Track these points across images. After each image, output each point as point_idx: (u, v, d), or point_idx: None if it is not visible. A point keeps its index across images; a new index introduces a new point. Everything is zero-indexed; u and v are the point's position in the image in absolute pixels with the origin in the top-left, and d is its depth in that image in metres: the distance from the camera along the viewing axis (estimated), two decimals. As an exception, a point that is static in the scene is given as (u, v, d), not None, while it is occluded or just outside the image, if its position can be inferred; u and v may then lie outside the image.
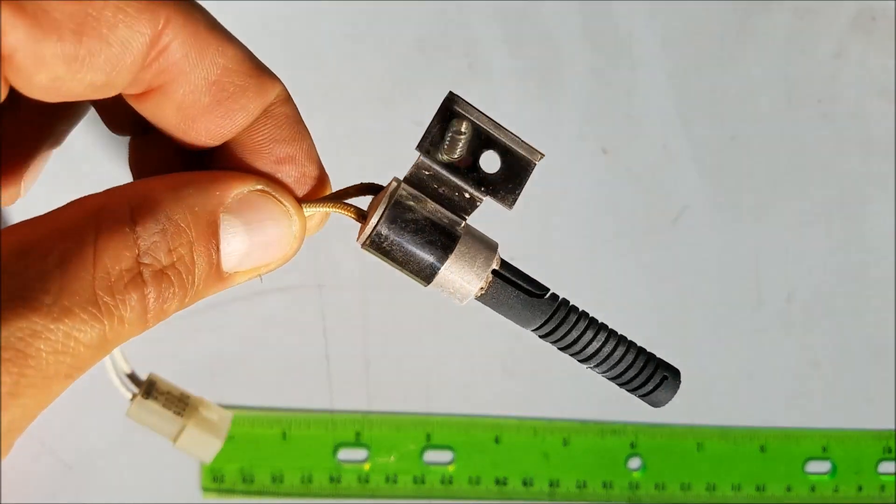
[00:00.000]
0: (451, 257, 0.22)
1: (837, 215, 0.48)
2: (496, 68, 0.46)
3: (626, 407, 0.47)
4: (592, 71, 0.47)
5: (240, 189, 0.22)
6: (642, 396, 0.24)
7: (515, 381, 0.46)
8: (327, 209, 0.24)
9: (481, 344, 0.45)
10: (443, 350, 0.45)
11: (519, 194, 0.24)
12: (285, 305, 0.45)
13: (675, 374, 0.24)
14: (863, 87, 0.48)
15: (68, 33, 0.17)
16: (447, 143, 0.22)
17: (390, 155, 0.46)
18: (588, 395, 0.47)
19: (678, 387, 0.24)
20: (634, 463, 0.46)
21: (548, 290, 0.24)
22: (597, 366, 0.24)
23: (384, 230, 0.22)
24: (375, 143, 0.46)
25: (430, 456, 0.45)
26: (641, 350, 0.24)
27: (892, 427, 0.48)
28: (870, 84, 0.48)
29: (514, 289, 0.23)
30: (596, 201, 0.47)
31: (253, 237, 0.22)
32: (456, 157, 0.22)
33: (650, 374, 0.24)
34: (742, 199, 0.47)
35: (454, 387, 0.46)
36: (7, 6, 0.16)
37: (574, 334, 0.23)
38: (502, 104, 0.46)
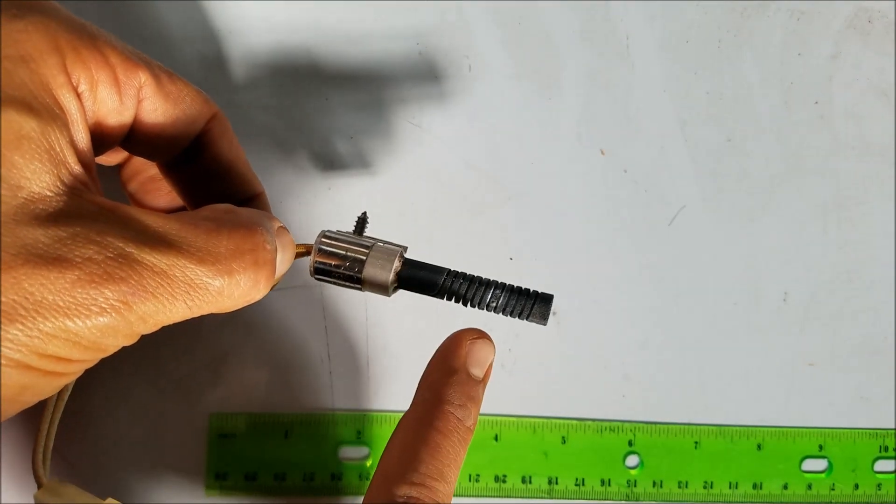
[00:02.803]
0: (365, 267, 0.33)
1: (834, 216, 0.48)
2: (495, 69, 0.46)
3: (624, 405, 0.47)
4: (590, 72, 0.47)
5: (278, 223, 0.32)
6: (528, 317, 0.33)
7: (514, 379, 0.46)
8: (302, 250, 0.34)
9: (481, 343, 0.45)
10: (443, 349, 0.46)
11: (406, 248, 0.34)
12: (287, 305, 0.45)
13: (545, 295, 0.33)
14: (859, 89, 0.48)
15: None
16: (355, 227, 0.35)
17: (390, 156, 0.46)
18: (586, 393, 0.47)
19: (551, 300, 0.33)
20: (632, 460, 0.46)
21: (443, 268, 0.33)
22: (488, 306, 0.33)
23: (319, 259, 0.33)
24: (374, 144, 0.46)
25: (431, 454, 0.45)
26: (515, 286, 0.33)
27: (889, 425, 0.48)
28: (867, 85, 0.48)
29: (415, 272, 0.33)
30: (593, 202, 0.47)
31: (279, 256, 0.30)
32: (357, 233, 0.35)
33: (525, 299, 0.33)
34: (739, 200, 0.47)
35: (454, 386, 0.46)
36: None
37: (461, 290, 0.33)
38: (501, 105, 0.46)
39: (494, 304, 0.33)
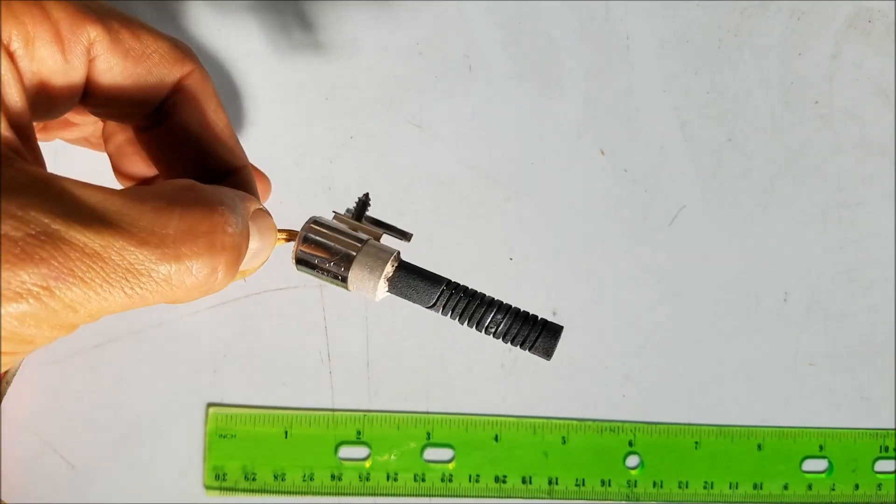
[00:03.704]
0: (355, 264, 0.30)
1: (834, 215, 0.48)
2: (495, 69, 0.46)
3: (624, 406, 0.47)
4: (590, 72, 0.47)
5: (256, 206, 0.29)
6: (531, 348, 0.30)
7: (515, 380, 0.46)
8: (285, 237, 0.32)
9: (481, 343, 0.46)
10: (443, 349, 0.46)
11: (411, 236, 0.33)
12: (287, 304, 0.45)
13: (554, 326, 0.30)
14: (859, 89, 0.48)
15: None
16: (354, 210, 0.33)
17: (390, 156, 0.46)
18: (587, 394, 0.47)
19: (559, 333, 0.30)
20: (632, 461, 0.46)
21: (442, 278, 0.31)
22: (487, 329, 0.30)
23: (302, 249, 0.31)
24: (375, 144, 0.46)
25: (431, 454, 0.45)
26: (521, 311, 0.31)
27: (889, 425, 0.48)
28: (867, 85, 0.48)
29: (410, 279, 0.31)
30: (593, 202, 0.47)
31: (255, 243, 0.28)
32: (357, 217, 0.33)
33: (530, 328, 0.30)
34: (739, 200, 0.47)
35: (454, 386, 0.46)
36: None
37: (459, 307, 0.30)
38: (501, 105, 0.46)
39: (494, 329, 0.30)
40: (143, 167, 0.34)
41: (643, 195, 0.47)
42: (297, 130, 0.46)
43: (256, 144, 0.46)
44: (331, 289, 0.45)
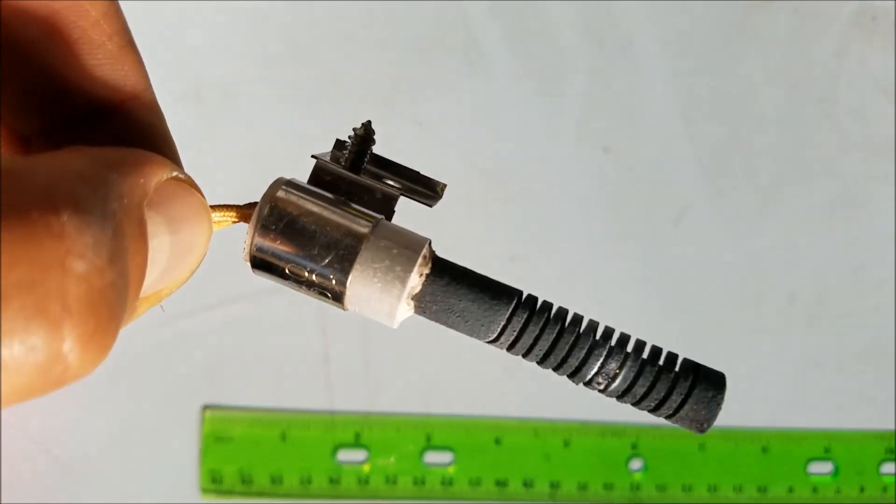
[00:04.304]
0: (357, 266, 0.18)
1: (840, 215, 0.48)
2: (496, 67, 0.46)
3: (627, 407, 0.47)
4: (593, 70, 0.47)
5: (160, 175, 0.16)
6: (668, 417, 0.19)
7: (516, 381, 0.46)
8: (234, 217, 0.19)
9: (481, 345, 0.45)
10: (443, 350, 0.45)
11: (443, 189, 0.22)
12: (284, 305, 0.45)
13: (710, 381, 0.20)
14: (864, 86, 0.48)
15: None
16: (349, 155, 0.21)
17: (388, 154, 0.46)
18: (589, 395, 0.46)
19: (718, 399, 0.19)
20: (636, 464, 0.46)
21: (509, 290, 0.20)
22: (591, 381, 0.20)
23: (262, 242, 0.18)
24: (377, 142, 0.46)
25: (431, 457, 0.45)
26: (651, 352, 0.20)
27: (895, 428, 0.48)
28: (871, 83, 0.48)
29: (453, 296, 0.19)
30: (597, 201, 0.47)
31: (175, 243, 0.17)
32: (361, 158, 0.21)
33: (671, 382, 0.19)
34: (744, 199, 0.47)
35: (454, 387, 0.46)
36: None
37: (545, 342, 0.19)
38: (502, 103, 0.46)
39: (604, 383, 0.19)
40: None
41: (647, 194, 0.47)
42: (294, 128, 0.45)
43: (253, 142, 0.45)
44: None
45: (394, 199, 0.20)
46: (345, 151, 0.21)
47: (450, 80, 0.46)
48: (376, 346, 0.45)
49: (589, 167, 0.47)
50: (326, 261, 0.18)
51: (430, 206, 0.21)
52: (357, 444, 0.45)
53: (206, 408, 0.45)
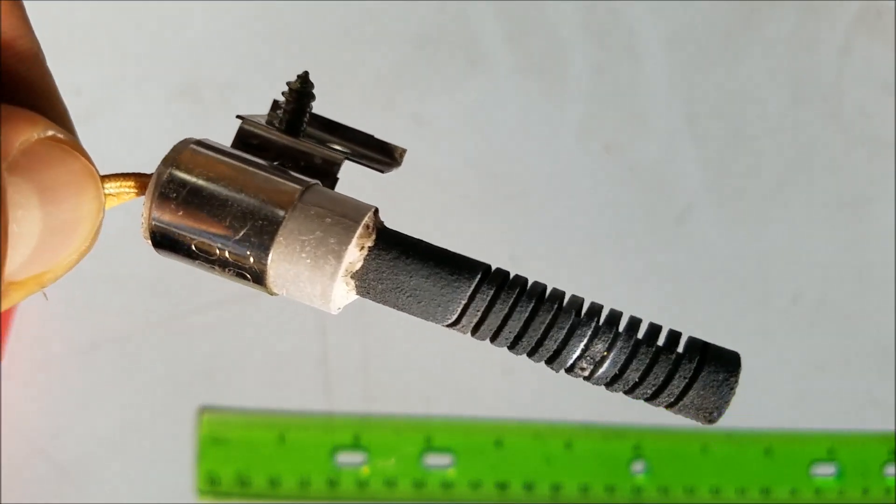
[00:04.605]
0: (280, 238, 0.15)
1: (844, 214, 0.48)
2: (497, 65, 0.46)
3: (630, 408, 0.47)
4: (595, 67, 0.47)
5: (28, 134, 0.14)
6: (669, 406, 0.16)
7: (517, 382, 0.46)
8: (133, 187, 0.16)
9: (482, 344, 0.45)
10: (443, 351, 0.45)
11: (401, 154, 0.18)
12: (282, 304, 0.45)
13: (721, 362, 0.16)
14: (868, 84, 0.48)
15: None
16: (285, 109, 0.17)
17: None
18: (591, 396, 0.46)
19: (731, 382, 0.16)
20: (638, 466, 0.46)
21: (471, 263, 0.16)
22: (572, 367, 0.16)
23: (162, 212, 0.15)
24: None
25: (430, 459, 0.45)
26: (648, 331, 0.16)
27: (899, 428, 0.48)
28: (875, 80, 0.48)
29: (403, 272, 0.16)
30: (598, 200, 0.47)
31: (50, 216, 0.14)
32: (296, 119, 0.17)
33: (670, 365, 0.16)
34: (747, 198, 0.47)
35: (455, 389, 0.45)
36: None
37: (517, 322, 0.16)
38: (503, 101, 0.46)
39: (589, 369, 0.16)
40: None
41: (649, 193, 0.47)
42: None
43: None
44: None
45: (336, 165, 0.17)
46: (279, 111, 0.18)
47: (450, 77, 0.46)
48: (375, 346, 0.45)
49: (590, 166, 0.47)
50: (241, 233, 0.15)
51: (383, 172, 0.18)
52: (356, 446, 0.45)
53: (203, 409, 0.44)
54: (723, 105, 0.47)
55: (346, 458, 0.45)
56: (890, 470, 0.47)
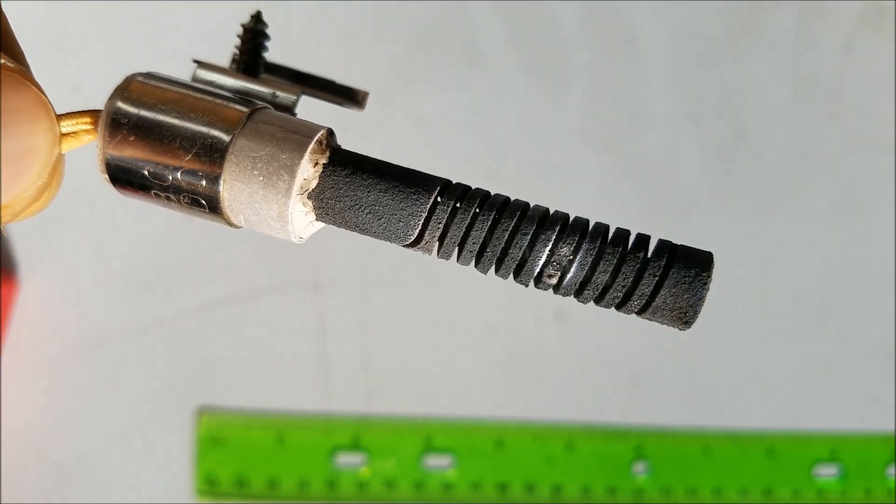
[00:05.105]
0: (231, 156, 0.15)
1: (846, 213, 0.48)
2: (498, 63, 0.46)
3: (631, 409, 0.46)
4: (596, 66, 0.46)
5: None
6: (641, 312, 0.16)
7: (518, 383, 0.46)
8: (88, 123, 0.16)
9: (483, 345, 0.45)
10: (443, 351, 0.45)
11: (364, 98, 0.18)
12: (281, 306, 0.45)
13: (691, 259, 0.15)
14: (871, 83, 0.48)
15: None
16: (238, 54, 0.17)
17: (386, 151, 0.46)
18: (592, 397, 0.46)
19: (703, 278, 0.15)
20: (639, 467, 0.46)
21: (431, 178, 0.16)
22: (541, 279, 0.16)
23: (114, 142, 0.15)
24: (370, 139, 0.45)
25: (431, 460, 0.45)
26: (615, 233, 0.16)
27: (901, 429, 0.48)
28: (878, 79, 0.48)
29: (360, 188, 0.15)
30: (599, 199, 0.46)
31: (1, 142, 0.14)
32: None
33: (638, 265, 0.15)
34: (749, 197, 0.47)
35: (455, 389, 0.45)
36: None
37: (479, 233, 0.15)
38: (504, 100, 0.46)
39: (556, 275, 0.15)
40: None
41: (650, 192, 0.47)
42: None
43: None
44: (327, 288, 0.45)
45: (293, 100, 0.17)
46: (236, 52, 0.18)
47: (451, 76, 0.46)
48: (375, 346, 0.45)
49: (591, 165, 0.47)
50: (191, 154, 0.15)
51: (342, 106, 0.19)
52: (355, 447, 0.45)
53: (201, 410, 0.44)
54: (724, 104, 0.47)
55: (346, 459, 0.45)
56: (892, 471, 0.47)
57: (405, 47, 0.46)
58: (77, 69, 0.44)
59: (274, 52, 0.48)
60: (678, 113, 0.47)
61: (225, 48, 0.47)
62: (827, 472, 0.47)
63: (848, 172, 0.48)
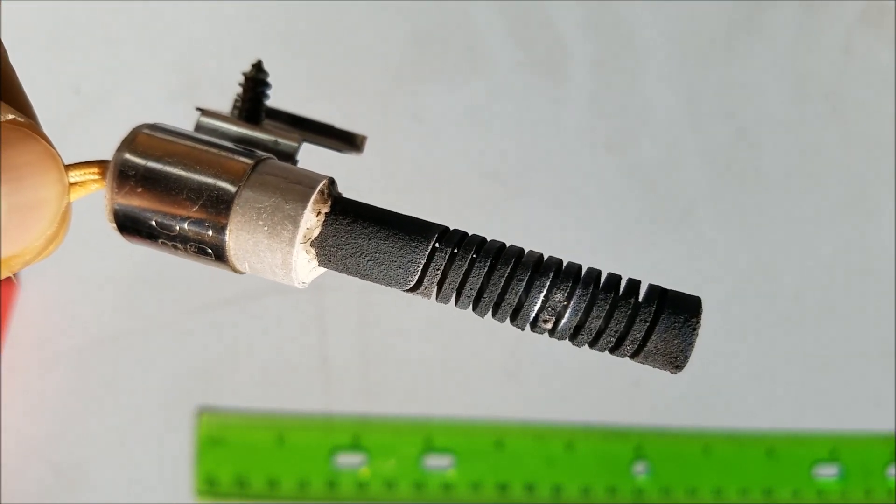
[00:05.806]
0: (236, 207, 0.15)
1: (846, 212, 0.48)
2: (498, 63, 0.46)
3: (631, 409, 0.46)
4: (596, 65, 0.46)
5: None
6: (634, 355, 0.17)
7: (518, 383, 0.46)
8: (96, 175, 0.16)
9: (483, 345, 0.45)
10: (443, 351, 0.45)
11: (362, 141, 0.19)
12: (281, 306, 0.45)
13: (681, 304, 0.16)
14: (871, 82, 0.48)
15: None
16: (241, 100, 0.18)
17: (387, 151, 0.45)
18: (592, 397, 0.46)
19: (692, 323, 0.16)
20: (639, 467, 0.46)
21: (427, 224, 0.17)
22: (536, 323, 0.16)
23: (122, 193, 0.15)
24: (375, 138, 0.45)
25: (430, 461, 0.45)
26: (607, 280, 0.16)
27: (902, 429, 0.48)
28: (878, 78, 0.48)
29: (361, 237, 0.16)
30: (599, 199, 0.46)
31: (11, 196, 0.14)
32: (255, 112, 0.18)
33: (630, 311, 0.16)
34: (749, 197, 0.47)
35: (455, 389, 0.45)
36: None
37: (475, 280, 0.16)
38: (503, 99, 0.46)
39: (552, 321, 0.16)
40: None
41: (650, 191, 0.46)
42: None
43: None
44: (327, 289, 0.45)
45: (295, 148, 0.18)
46: (237, 103, 0.18)
47: (451, 75, 0.46)
48: (375, 347, 0.45)
49: (591, 165, 0.46)
50: (198, 205, 0.15)
51: (341, 152, 0.19)
52: (355, 447, 0.45)
53: (201, 410, 0.44)
54: (724, 104, 0.47)
55: (346, 459, 0.45)
56: (892, 471, 0.47)
57: (405, 47, 0.46)
58: (77, 69, 0.44)
59: (275, 54, 0.48)
60: (678, 113, 0.47)
61: (225, 48, 0.47)
62: (827, 473, 0.47)
63: (848, 172, 0.48)
